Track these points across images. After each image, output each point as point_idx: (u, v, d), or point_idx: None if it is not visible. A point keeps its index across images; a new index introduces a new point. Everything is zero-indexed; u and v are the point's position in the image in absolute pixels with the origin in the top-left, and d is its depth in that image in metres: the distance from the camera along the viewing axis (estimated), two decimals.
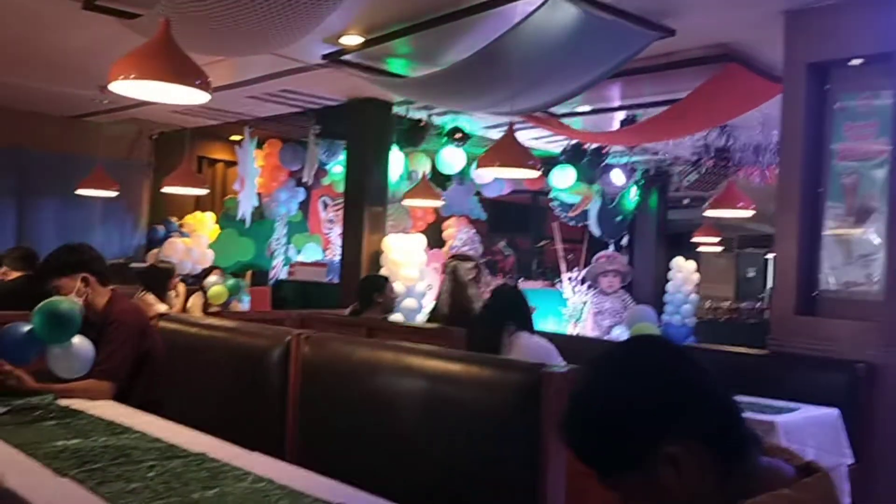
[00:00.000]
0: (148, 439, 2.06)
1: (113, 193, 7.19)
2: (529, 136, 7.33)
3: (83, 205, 8.05)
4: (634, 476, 0.93)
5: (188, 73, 3.16)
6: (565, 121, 6.63)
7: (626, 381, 0.94)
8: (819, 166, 3.61)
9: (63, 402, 2.38)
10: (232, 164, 9.03)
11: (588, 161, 7.74)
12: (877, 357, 3.31)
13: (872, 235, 3.45)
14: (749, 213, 6.87)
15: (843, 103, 3.54)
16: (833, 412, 3.14)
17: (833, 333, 3.43)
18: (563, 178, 7.76)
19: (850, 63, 3.52)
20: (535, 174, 4.93)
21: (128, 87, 3.19)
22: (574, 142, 7.57)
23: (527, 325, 3.27)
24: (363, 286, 4.56)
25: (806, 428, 2.99)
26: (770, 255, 9.53)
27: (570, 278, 8.38)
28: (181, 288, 5.57)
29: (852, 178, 3.51)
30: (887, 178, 3.41)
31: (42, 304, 2.33)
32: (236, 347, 2.96)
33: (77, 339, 2.38)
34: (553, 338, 3.48)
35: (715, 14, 3.98)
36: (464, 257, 3.92)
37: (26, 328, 2.31)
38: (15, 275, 4.19)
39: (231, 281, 5.81)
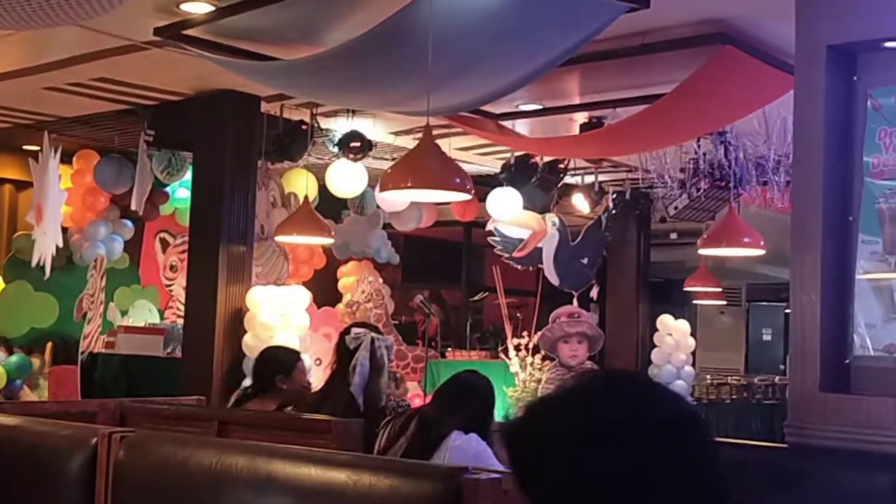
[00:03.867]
0: None
1: None
2: (457, 146, 7.41)
3: None
4: None
5: None
6: (506, 124, 6.73)
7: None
8: (847, 187, 3.73)
9: None
10: (25, 185, 8.78)
11: (539, 181, 7.85)
12: None
13: None
14: (758, 252, 7.10)
15: (878, 100, 3.67)
16: None
17: (873, 416, 3.51)
18: (506, 205, 7.84)
19: (885, 45, 3.66)
20: (465, 197, 4.96)
21: None
22: (519, 154, 7.69)
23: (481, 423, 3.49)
24: (261, 365, 4.50)
25: None
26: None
27: (517, 346, 8.42)
28: None
29: (893, 203, 3.63)
30: None
31: None
32: (19, 454, 2.85)
33: None
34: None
35: None
36: (369, 326, 3.95)
37: None
38: None
39: (15, 358, 5.60)
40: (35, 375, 7.74)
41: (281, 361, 4.36)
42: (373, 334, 3.97)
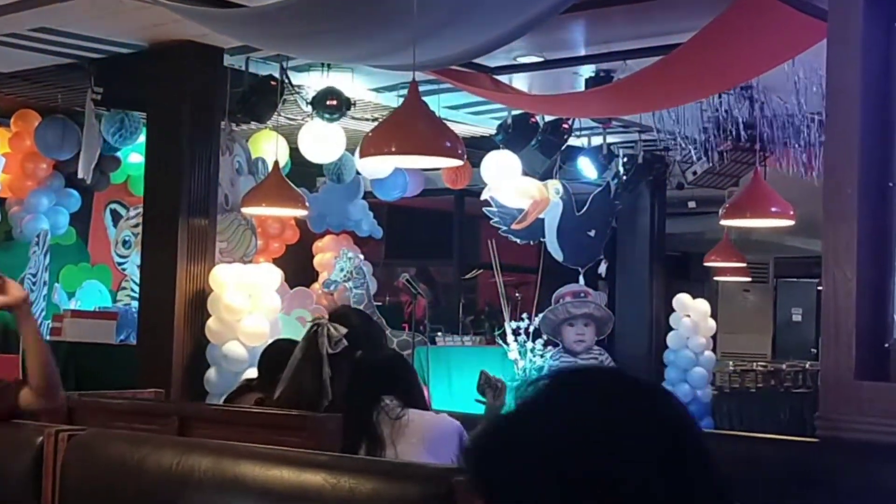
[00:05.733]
0: None
1: None
2: (446, 104, 7.40)
3: None
4: None
5: None
6: (502, 78, 6.72)
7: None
8: (886, 148, 3.75)
9: None
10: None
11: (541, 143, 7.86)
12: None
13: None
14: (787, 223, 7.12)
15: None
16: None
17: None
18: (502, 171, 7.85)
19: None
20: (456, 163, 4.97)
21: None
22: (518, 113, 7.69)
23: (414, 398, 3.49)
24: (269, 359, 4.50)
25: None
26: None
27: (516, 330, 8.46)
28: None
29: None
30: None
31: None
32: None
33: None
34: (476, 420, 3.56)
35: None
36: (344, 317, 3.97)
37: None
38: None
39: None
40: None
41: (285, 357, 4.34)
42: (324, 324, 3.96)
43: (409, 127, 4.76)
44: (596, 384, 1.24)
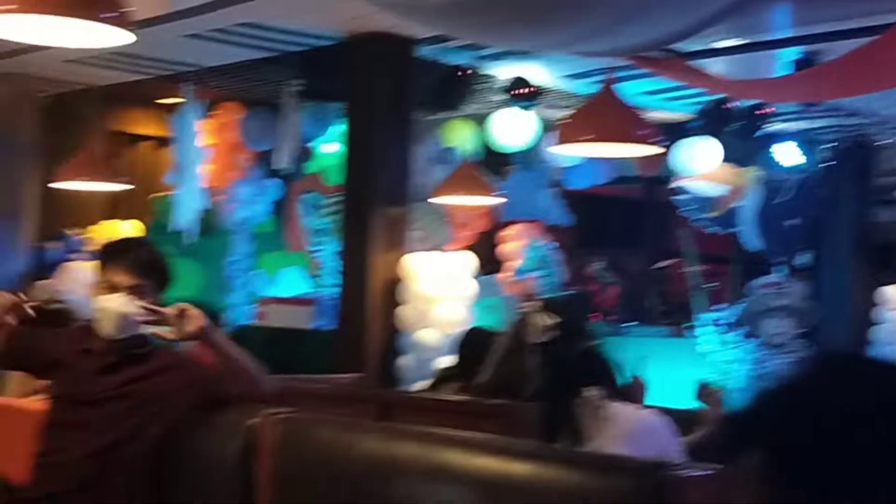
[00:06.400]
0: None
1: None
2: (641, 90, 7.30)
3: None
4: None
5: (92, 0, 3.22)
6: (698, 64, 6.58)
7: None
8: None
9: None
10: (165, 141, 9.15)
11: (739, 129, 7.67)
12: None
13: None
14: None
15: None
16: None
17: None
18: (697, 158, 7.70)
19: None
20: (651, 151, 4.91)
21: (3, 24, 3.25)
22: (715, 98, 7.52)
23: (618, 391, 3.42)
24: (467, 347, 4.58)
25: None
26: None
27: (712, 321, 8.30)
28: None
29: None
30: None
31: None
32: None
33: None
34: (672, 415, 3.50)
35: None
36: (553, 306, 3.97)
37: None
38: None
39: None
40: (177, 348, 8.10)
41: (488, 346, 4.38)
42: (532, 311, 3.95)
43: (605, 115, 4.75)
44: (867, 359, 1.34)
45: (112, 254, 3.15)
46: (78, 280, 8.00)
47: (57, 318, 5.33)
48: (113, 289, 3.03)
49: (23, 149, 8.82)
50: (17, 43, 6.42)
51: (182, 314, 2.99)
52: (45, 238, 8.91)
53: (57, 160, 7.92)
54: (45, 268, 8.71)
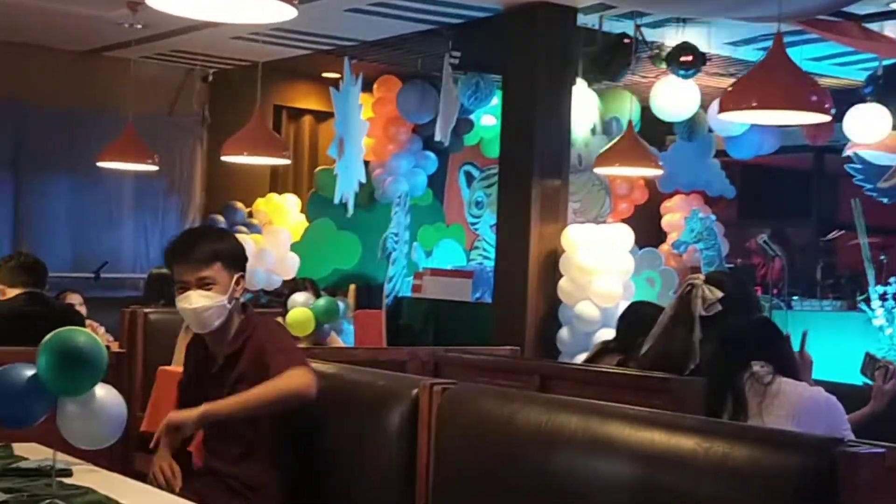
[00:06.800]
0: None
1: (150, 167, 7.63)
2: (809, 56, 7.06)
3: (105, 184, 8.58)
4: None
5: None
6: (872, 26, 6.32)
7: None
8: None
9: (79, 481, 2.52)
10: (326, 116, 9.33)
11: None
12: None
13: None
14: None
15: None
16: None
17: None
18: (869, 125, 7.38)
19: None
20: (823, 118, 4.73)
21: (173, 1, 3.32)
22: (890, 63, 7.20)
23: (786, 367, 3.35)
24: (629, 320, 4.55)
25: None
26: None
27: (883, 294, 8.02)
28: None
29: None
30: None
31: (53, 335, 2.46)
32: (334, 405, 3.04)
33: (101, 391, 2.50)
34: (841, 390, 3.42)
35: None
36: (718, 280, 3.89)
37: (28, 373, 2.45)
38: (12, 292, 4.51)
39: (322, 301, 5.98)
40: (338, 320, 8.27)
41: (648, 321, 4.33)
42: (698, 283, 3.87)
43: (774, 81, 4.59)
44: None
45: (173, 255, 3.08)
46: None
47: None
48: (184, 288, 3.00)
49: (190, 124, 9.13)
50: (185, 21, 6.66)
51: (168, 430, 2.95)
52: (212, 211, 9.22)
53: (222, 135, 8.16)
54: None
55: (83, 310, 5.72)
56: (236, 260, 3.09)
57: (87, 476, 2.60)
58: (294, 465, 3.08)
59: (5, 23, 7.59)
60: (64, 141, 8.52)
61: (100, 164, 7.42)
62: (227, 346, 3.07)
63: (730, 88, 4.82)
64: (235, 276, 3.06)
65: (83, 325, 3.91)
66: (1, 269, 4.60)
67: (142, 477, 2.95)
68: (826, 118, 4.76)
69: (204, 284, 2.99)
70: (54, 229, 8.43)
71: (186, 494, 2.73)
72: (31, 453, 2.77)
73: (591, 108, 7.06)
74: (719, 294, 3.63)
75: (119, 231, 8.57)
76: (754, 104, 4.68)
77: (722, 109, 4.91)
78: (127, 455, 4.26)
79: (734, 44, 7.14)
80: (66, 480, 2.53)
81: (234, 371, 3.03)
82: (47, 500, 2.31)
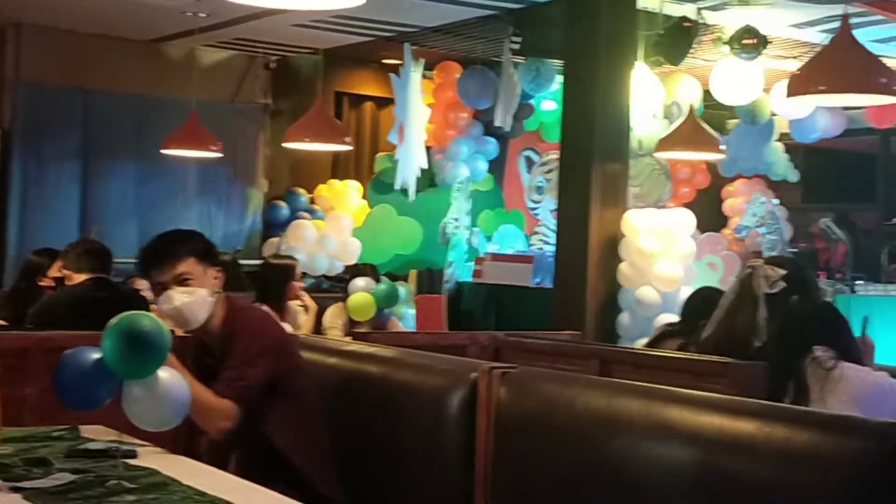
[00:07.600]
0: None
1: (213, 153, 7.71)
2: (872, 38, 6.91)
3: (170, 170, 8.71)
4: None
5: None
6: None
7: None
8: None
9: (144, 463, 2.56)
10: (386, 102, 9.35)
11: None
12: None
13: None
14: None
15: None
16: None
17: None
18: None
19: None
20: (893, 100, 4.66)
21: None
22: None
23: (848, 351, 3.30)
24: (693, 305, 4.53)
25: None
26: None
27: None
28: (308, 298, 5.83)
29: None
30: None
31: (118, 319, 2.50)
32: (394, 388, 3.07)
33: (165, 374, 2.53)
34: None
35: None
36: (778, 262, 3.85)
37: (94, 356, 2.49)
38: (79, 278, 4.58)
39: (383, 286, 6.01)
40: (399, 304, 8.29)
41: (712, 306, 4.31)
42: (760, 265, 3.83)
43: (842, 63, 4.54)
44: None
45: (145, 260, 3.08)
46: (304, 237, 8.33)
47: (279, 274, 5.58)
48: (162, 288, 2.98)
49: (253, 112, 9.22)
50: (248, 9, 6.72)
51: None
52: (274, 198, 9.31)
53: (284, 122, 8.23)
54: (275, 226, 9.11)
55: (149, 295, 5.80)
56: (209, 253, 3.09)
57: (151, 458, 2.64)
58: (353, 448, 3.09)
59: (74, 13, 7.72)
60: (130, 128, 8.66)
61: (164, 151, 7.53)
62: (218, 336, 3.06)
63: (797, 72, 4.77)
64: (211, 270, 3.05)
65: (148, 309, 3.95)
66: (68, 255, 4.67)
67: None
68: (892, 100, 4.70)
69: (181, 281, 2.98)
70: (121, 215, 8.56)
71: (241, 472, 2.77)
72: (98, 435, 2.83)
73: (653, 92, 6.99)
74: (781, 272, 3.59)
75: (184, 217, 8.67)
76: (822, 87, 4.62)
77: (790, 93, 4.85)
78: (191, 437, 4.32)
79: (798, 26, 7.02)
80: (132, 462, 2.58)
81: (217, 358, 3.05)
82: (114, 481, 2.35)
